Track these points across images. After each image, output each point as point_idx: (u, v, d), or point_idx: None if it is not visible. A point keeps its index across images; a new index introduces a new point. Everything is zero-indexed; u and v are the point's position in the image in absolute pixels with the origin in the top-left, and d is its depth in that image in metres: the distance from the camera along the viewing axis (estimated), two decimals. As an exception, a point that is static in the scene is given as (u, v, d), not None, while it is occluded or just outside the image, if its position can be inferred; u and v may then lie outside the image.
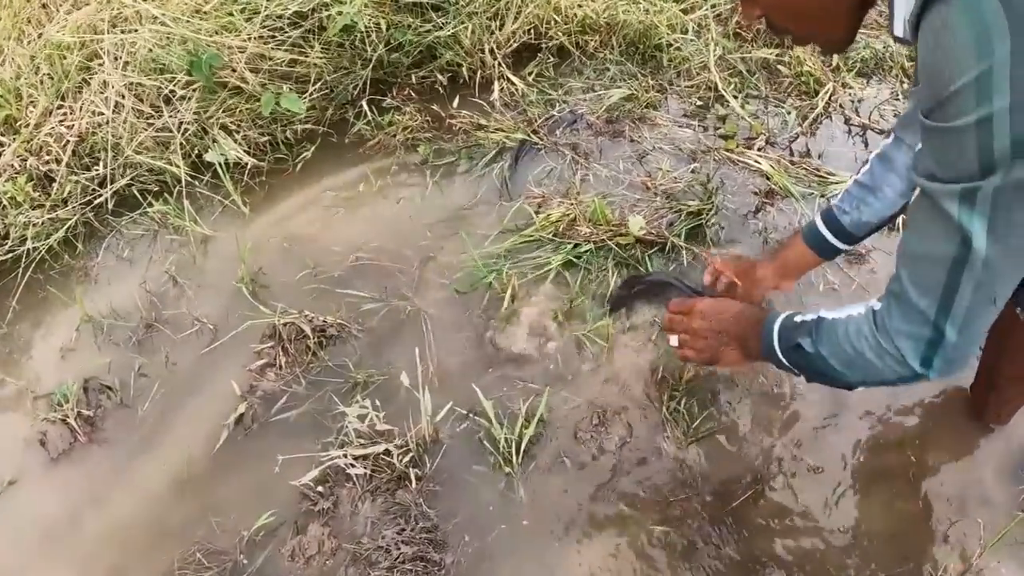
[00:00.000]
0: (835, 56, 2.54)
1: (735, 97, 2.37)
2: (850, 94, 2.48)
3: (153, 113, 2.23)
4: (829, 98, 2.43)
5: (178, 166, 2.17)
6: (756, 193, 2.12)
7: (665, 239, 1.96)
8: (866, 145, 2.34)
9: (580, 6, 2.56)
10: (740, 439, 1.67)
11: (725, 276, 1.58)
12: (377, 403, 1.70)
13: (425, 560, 1.57)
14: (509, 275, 1.92)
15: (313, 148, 2.32)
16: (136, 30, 2.29)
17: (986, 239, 0.87)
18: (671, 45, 2.51)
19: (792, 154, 2.25)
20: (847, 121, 2.42)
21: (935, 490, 1.61)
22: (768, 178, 2.13)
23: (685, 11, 2.65)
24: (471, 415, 1.71)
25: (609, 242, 1.95)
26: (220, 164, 2.17)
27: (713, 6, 2.67)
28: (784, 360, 1.14)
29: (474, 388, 1.71)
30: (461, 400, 1.73)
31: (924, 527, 1.57)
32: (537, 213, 2.04)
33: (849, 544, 1.54)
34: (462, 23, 2.43)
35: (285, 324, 1.86)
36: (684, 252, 1.96)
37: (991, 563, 1.53)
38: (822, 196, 2.14)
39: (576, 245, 1.96)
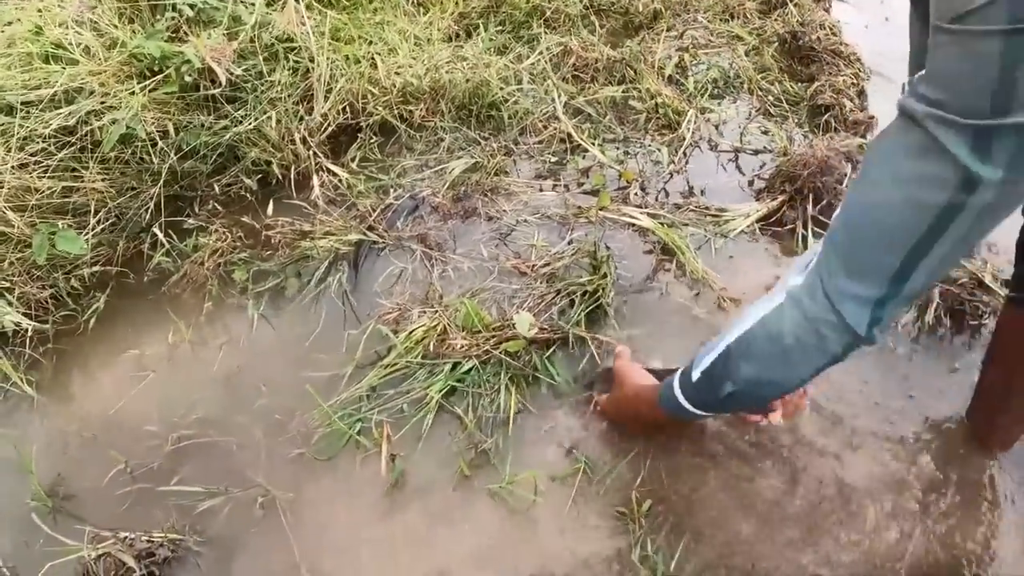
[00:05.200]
0: (692, 83, 2.31)
1: (593, 144, 2.06)
2: (710, 118, 2.23)
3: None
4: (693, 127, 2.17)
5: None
6: (649, 252, 1.78)
7: (563, 332, 1.57)
8: (741, 172, 2.08)
9: (398, 73, 2.18)
10: (731, 559, 1.29)
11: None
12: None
13: None
14: (379, 424, 1.47)
15: (105, 296, 1.79)
16: None
17: (1000, 183, 0.73)
18: (506, 100, 2.17)
19: (667, 195, 1.95)
20: (715, 148, 2.16)
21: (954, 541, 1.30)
22: (655, 233, 1.81)
23: (515, 60, 2.33)
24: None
25: (494, 351, 1.54)
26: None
27: (547, 49, 2.37)
28: (704, 414, 1.12)
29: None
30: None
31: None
32: (395, 332, 1.60)
33: None
34: (264, 113, 1.98)
35: (99, 557, 1.32)
36: (590, 343, 1.58)
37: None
38: (721, 236, 1.84)
39: (455, 365, 1.54)
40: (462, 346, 1.56)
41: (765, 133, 2.24)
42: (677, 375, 1.09)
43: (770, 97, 2.36)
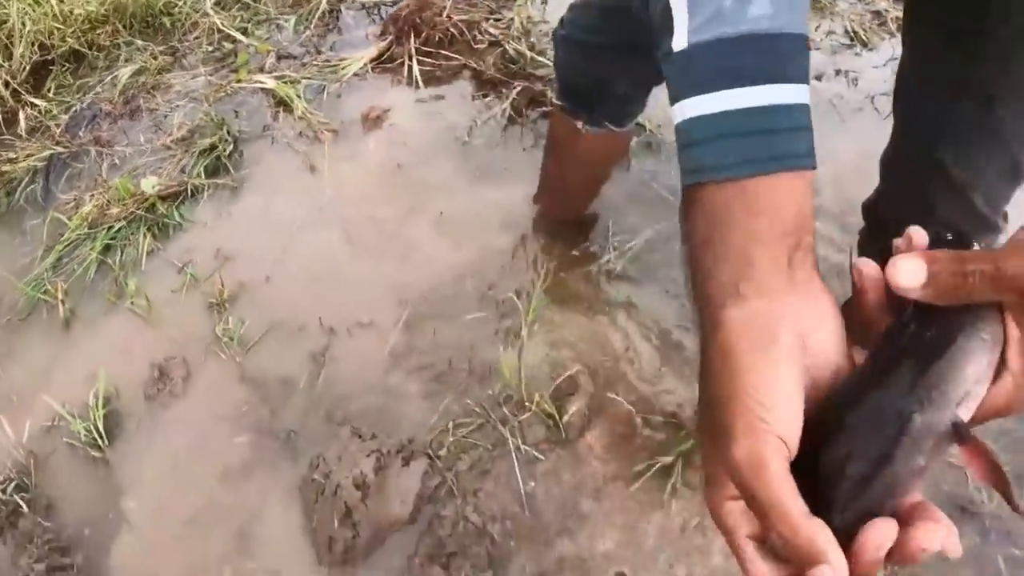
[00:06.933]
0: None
1: (242, 31, 2.45)
2: (352, -19, 2.60)
3: None
4: (330, -8, 2.55)
5: None
6: (269, 106, 2.22)
7: (186, 184, 2.04)
8: (375, 23, 2.47)
9: (82, 5, 2.56)
10: (294, 327, 1.80)
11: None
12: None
13: (57, 568, 1.64)
14: (55, 283, 1.96)
15: None
16: None
17: None
18: (176, 5, 2.55)
19: (300, 57, 2.36)
20: (364, 7, 2.54)
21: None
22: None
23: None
24: (54, 422, 1.76)
25: (138, 211, 2.01)
26: None
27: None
28: None
29: (45, 399, 1.77)
30: (41, 413, 1.78)
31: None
32: (71, 218, 2.08)
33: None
34: (-32, 70, 2.39)
35: None
36: (207, 189, 2.04)
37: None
38: (336, 82, 2.27)
39: (110, 228, 2.01)
40: (116, 213, 2.03)
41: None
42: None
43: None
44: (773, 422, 0.45)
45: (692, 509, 1.55)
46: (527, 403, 1.63)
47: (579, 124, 1.57)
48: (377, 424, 1.61)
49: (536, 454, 1.59)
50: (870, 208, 1.31)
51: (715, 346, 0.49)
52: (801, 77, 0.53)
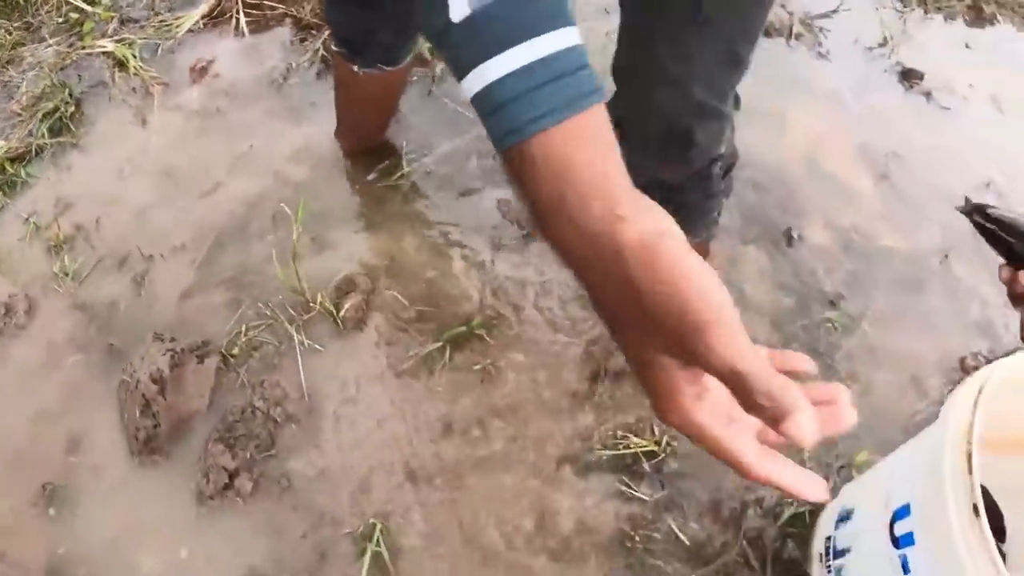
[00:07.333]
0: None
1: (88, 1, 2.65)
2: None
3: None
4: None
5: None
6: (108, 68, 2.43)
7: (31, 145, 2.27)
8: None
9: (-52, -9, 2.76)
10: (119, 258, 2.05)
11: None
12: None
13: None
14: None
15: None
16: None
17: None
18: (29, -17, 2.75)
19: (139, 20, 2.56)
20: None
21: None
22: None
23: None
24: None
25: (-13, 179, 2.25)
26: None
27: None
28: None
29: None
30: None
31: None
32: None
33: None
34: None
35: None
36: (50, 148, 2.28)
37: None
38: (171, 39, 2.47)
39: (-35, 196, 2.26)
40: (-28, 179, 2.27)
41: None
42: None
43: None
44: (728, 307, 0.48)
45: (457, 388, 1.80)
46: (312, 304, 1.87)
47: (354, 67, 1.77)
48: (179, 330, 1.87)
49: (317, 347, 1.84)
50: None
51: (630, 265, 0.49)
52: (573, 19, 0.57)
